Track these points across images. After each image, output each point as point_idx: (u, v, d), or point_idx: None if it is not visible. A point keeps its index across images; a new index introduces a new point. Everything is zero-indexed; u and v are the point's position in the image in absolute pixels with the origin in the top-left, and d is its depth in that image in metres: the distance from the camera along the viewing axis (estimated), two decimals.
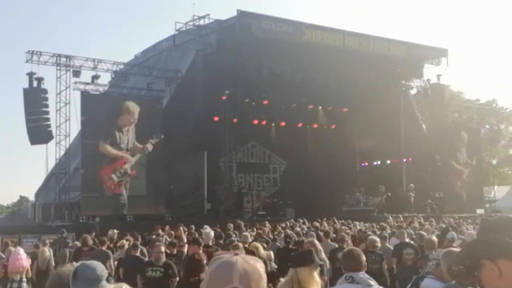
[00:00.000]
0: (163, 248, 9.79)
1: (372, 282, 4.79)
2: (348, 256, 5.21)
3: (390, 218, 22.68)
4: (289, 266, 5.34)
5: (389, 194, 29.05)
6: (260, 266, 1.89)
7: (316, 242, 9.28)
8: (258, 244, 10.02)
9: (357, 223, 19.08)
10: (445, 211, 28.61)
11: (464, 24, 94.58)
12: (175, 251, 11.06)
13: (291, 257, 5.66)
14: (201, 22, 25.64)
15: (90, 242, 12.60)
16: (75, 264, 3.07)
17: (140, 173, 23.67)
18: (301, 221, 20.29)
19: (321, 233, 14.63)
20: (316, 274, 5.16)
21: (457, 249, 5.57)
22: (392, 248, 12.42)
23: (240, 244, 9.46)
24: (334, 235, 14.08)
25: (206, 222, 17.39)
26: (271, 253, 10.24)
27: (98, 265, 3.06)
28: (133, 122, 23.57)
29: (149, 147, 23.62)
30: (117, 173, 22.88)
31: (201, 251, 9.19)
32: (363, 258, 5.20)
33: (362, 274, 4.86)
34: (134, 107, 23.72)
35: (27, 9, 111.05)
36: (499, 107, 54.52)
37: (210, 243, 10.49)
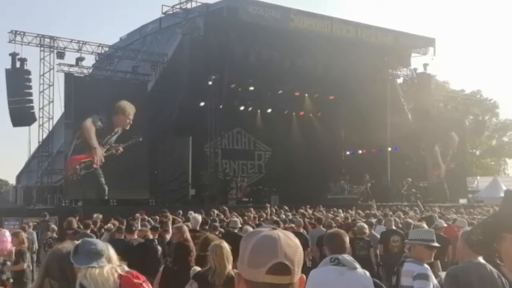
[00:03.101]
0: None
1: (357, 265, 4.73)
2: (332, 238, 5.13)
3: (374, 206, 22.73)
4: None
5: (373, 182, 29.12)
6: (299, 242, 1.83)
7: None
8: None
9: (341, 211, 19.05)
10: (429, 200, 28.76)
11: (451, 14, 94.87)
12: (156, 236, 10.94)
13: None
14: (188, 6, 25.33)
15: (75, 225, 12.40)
16: (76, 242, 3.08)
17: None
18: (285, 207, 20.22)
19: (307, 220, 14.65)
20: None
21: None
22: (378, 235, 12.40)
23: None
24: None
25: (191, 208, 17.23)
26: None
27: (99, 242, 3.06)
28: (129, 123, 23.30)
29: (121, 149, 23.22)
30: (82, 165, 22.48)
31: (188, 236, 9.05)
32: (347, 240, 5.15)
33: (348, 256, 4.79)
34: (130, 108, 23.39)
35: None
36: (483, 98, 55.02)
37: (198, 228, 10.35)
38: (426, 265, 5.64)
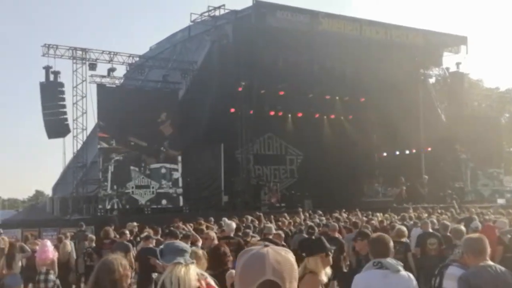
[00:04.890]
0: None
1: (400, 267, 4.78)
2: (377, 242, 5.13)
3: (411, 209, 22.37)
4: (303, 256, 5.34)
5: (409, 185, 28.71)
6: (291, 256, 1.84)
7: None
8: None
9: (378, 214, 18.78)
10: (466, 201, 28.22)
11: (483, 12, 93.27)
12: (189, 243, 10.93)
13: (302, 248, 5.65)
14: (217, 13, 25.43)
15: (112, 235, 12.51)
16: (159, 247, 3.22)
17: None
18: (319, 212, 20.09)
19: (342, 224, 14.50)
20: (320, 262, 5.11)
21: None
22: (414, 238, 12.19)
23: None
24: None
25: (224, 215, 17.27)
26: None
27: (180, 242, 3.14)
28: None
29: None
30: None
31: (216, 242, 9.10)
32: (392, 244, 5.14)
33: (391, 260, 4.83)
34: None
35: (43, 2, 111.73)
36: None
37: (232, 235, 10.33)
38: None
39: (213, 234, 9.16)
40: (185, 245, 3.11)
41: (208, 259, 6.68)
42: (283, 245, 7.51)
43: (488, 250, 5.06)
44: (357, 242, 8.30)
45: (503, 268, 4.80)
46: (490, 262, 4.86)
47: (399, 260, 10.33)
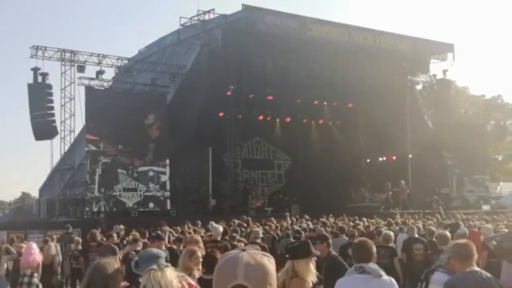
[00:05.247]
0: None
1: (382, 272, 4.80)
2: (359, 247, 5.16)
3: (398, 214, 22.52)
4: (287, 258, 5.44)
5: (395, 190, 28.88)
6: (268, 261, 1.83)
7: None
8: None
9: (364, 219, 18.91)
10: (451, 207, 28.44)
11: (470, 20, 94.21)
12: (182, 247, 10.94)
13: (287, 250, 5.72)
14: (206, 17, 25.50)
15: (99, 237, 12.50)
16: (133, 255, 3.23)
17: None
18: (306, 216, 20.18)
19: (329, 229, 14.59)
20: (311, 265, 5.23)
21: None
22: (400, 243, 12.29)
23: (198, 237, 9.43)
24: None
25: (211, 219, 17.26)
26: None
27: (153, 249, 3.15)
28: None
29: None
30: None
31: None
32: (374, 249, 5.17)
33: (373, 265, 4.86)
34: None
35: (31, 4, 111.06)
36: (504, 102, 54.36)
37: (219, 238, 10.36)
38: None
39: (198, 237, 9.19)
40: (159, 251, 3.13)
41: (203, 264, 6.72)
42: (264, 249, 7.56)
43: (475, 256, 5.10)
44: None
45: (488, 274, 4.84)
46: (477, 268, 4.90)
47: (385, 265, 10.51)
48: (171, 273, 3.03)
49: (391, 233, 11.70)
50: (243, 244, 10.31)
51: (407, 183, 30.36)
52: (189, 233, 12.84)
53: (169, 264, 3.02)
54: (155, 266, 3.01)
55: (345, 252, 10.22)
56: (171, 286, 3.06)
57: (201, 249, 9.00)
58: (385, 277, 4.78)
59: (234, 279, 1.76)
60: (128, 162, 23.34)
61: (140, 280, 3.08)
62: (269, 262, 1.83)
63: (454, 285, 4.80)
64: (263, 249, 8.82)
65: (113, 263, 3.22)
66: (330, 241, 7.77)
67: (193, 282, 3.28)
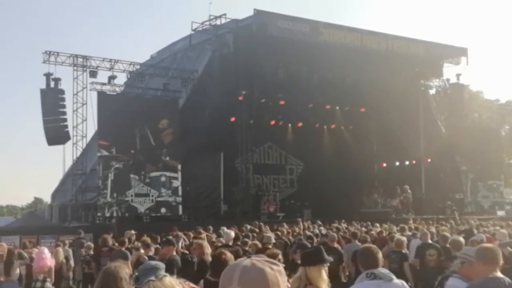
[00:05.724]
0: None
1: (393, 276, 4.76)
2: (366, 253, 5.11)
3: (411, 219, 22.31)
4: (299, 265, 5.42)
5: (407, 195, 28.61)
6: (270, 268, 1.82)
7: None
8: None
9: (378, 224, 18.72)
10: (465, 212, 28.15)
11: (483, 23, 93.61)
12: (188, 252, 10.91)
13: (300, 256, 5.65)
14: (218, 22, 25.51)
15: (110, 242, 12.48)
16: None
17: None
18: (319, 222, 20.06)
19: (341, 234, 14.46)
20: (324, 273, 5.19)
21: None
22: (414, 249, 12.14)
23: None
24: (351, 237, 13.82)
25: (223, 224, 17.19)
26: None
27: (151, 261, 3.16)
28: None
29: None
30: None
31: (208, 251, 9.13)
32: (381, 255, 5.15)
33: (383, 269, 4.83)
34: None
35: (44, 9, 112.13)
36: None
37: (231, 243, 10.29)
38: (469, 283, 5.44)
39: (204, 243, 9.16)
40: (158, 263, 3.12)
41: (211, 266, 6.66)
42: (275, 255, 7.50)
43: (501, 262, 4.95)
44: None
45: (511, 281, 4.70)
46: (500, 275, 4.74)
47: (395, 269, 10.38)
48: (170, 280, 3.02)
49: (404, 238, 11.58)
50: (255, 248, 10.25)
51: (421, 188, 30.10)
52: (200, 238, 12.76)
53: (168, 274, 3.03)
54: (153, 278, 3.00)
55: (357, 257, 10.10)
56: None
57: (206, 255, 8.97)
58: (396, 280, 4.73)
59: (229, 284, 1.80)
60: (140, 168, 23.36)
61: None
62: (273, 270, 1.82)
63: None
64: (274, 255, 8.74)
65: (124, 267, 3.21)
66: None
67: (196, 286, 3.26)
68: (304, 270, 5.18)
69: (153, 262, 3.14)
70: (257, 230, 16.37)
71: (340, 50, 25.92)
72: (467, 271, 5.42)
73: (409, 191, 28.44)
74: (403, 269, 10.94)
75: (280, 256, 5.79)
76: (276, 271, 1.83)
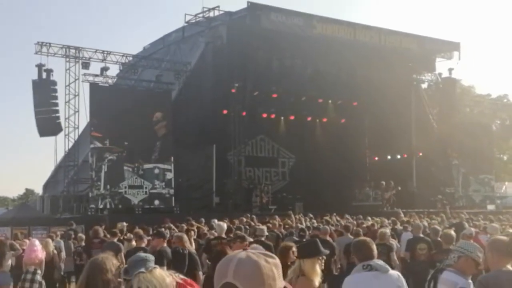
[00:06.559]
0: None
1: (389, 268, 4.88)
2: (361, 246, 5.20)
3: (401, 213, 22.41)
4: (295, 257, 5.52)
5: (399, 189, 28.76)
6: (266, 261, 1.80)
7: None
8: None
9: (369, 218, 18.81)
10: (456, 206, 28.32)
11: (476, 18, 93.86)
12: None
13: (297, 248, 5.72)
14: (211, 14, 25.44)
15: (101, 234, 12.47)
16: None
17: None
18: (310, 215, 20.11)
19: (332, 228, 14.52)
20: (318, 266, 5.23)
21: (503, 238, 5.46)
22: (404, 242, 12.24)
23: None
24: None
25: (215, 216, 17.23)
26: None
27: (140, 253, 3.16)
28: None
29: None
30: None
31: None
32: (375, 247, 5.24)
33: (379, 261, 4.92)
34: None
35: (37, 0, 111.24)
36: (510, 102, 54.02)
37: (223, 235, 10.33)
38: (470, 280, 5.44)
39: (184, 236, 9.17)
40: (147, 255, 3.14)
41: (212, 260, 6.70)
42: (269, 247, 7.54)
43: None
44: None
45: None
46: (511, 268, 4.75)
47: (384, 262, 10.42)
48: (160, 271, 3.04)
49: (386, 231, 11.72)
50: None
51: (412, 182, 30.25)
52: (193, 230, 12.78)
53: (157, 266, 3.04)
54: (143, 269, 3.02)
55: (350, 250, 10.17)
56: (164, 283, 3.05)
57: (187, 247, 8.98)
58: (392, 271, 4.85)
59: (224, 277, 1.77)
60: (133, 159, 23.33)
61: (132, 284, 3.07)
62: (267, 262, 1.80)
63: (488, 282, 4.67)
64: (268, 247, 8.77)
65: (111, 258, 3.21)
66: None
67: (180, 278, 3.28)
68: (299, 262, 5.25)
69: (142, 254, 3.16)
70: (253, 223, 16.41)
71: (333, 44, 25.93)
72: (463, 265, 5.41)
73: (392, 185, 28.47)
74: (390, 259, 11.03)
75: (294, 249, 5.82)
76: (272, 264, 1.81)
